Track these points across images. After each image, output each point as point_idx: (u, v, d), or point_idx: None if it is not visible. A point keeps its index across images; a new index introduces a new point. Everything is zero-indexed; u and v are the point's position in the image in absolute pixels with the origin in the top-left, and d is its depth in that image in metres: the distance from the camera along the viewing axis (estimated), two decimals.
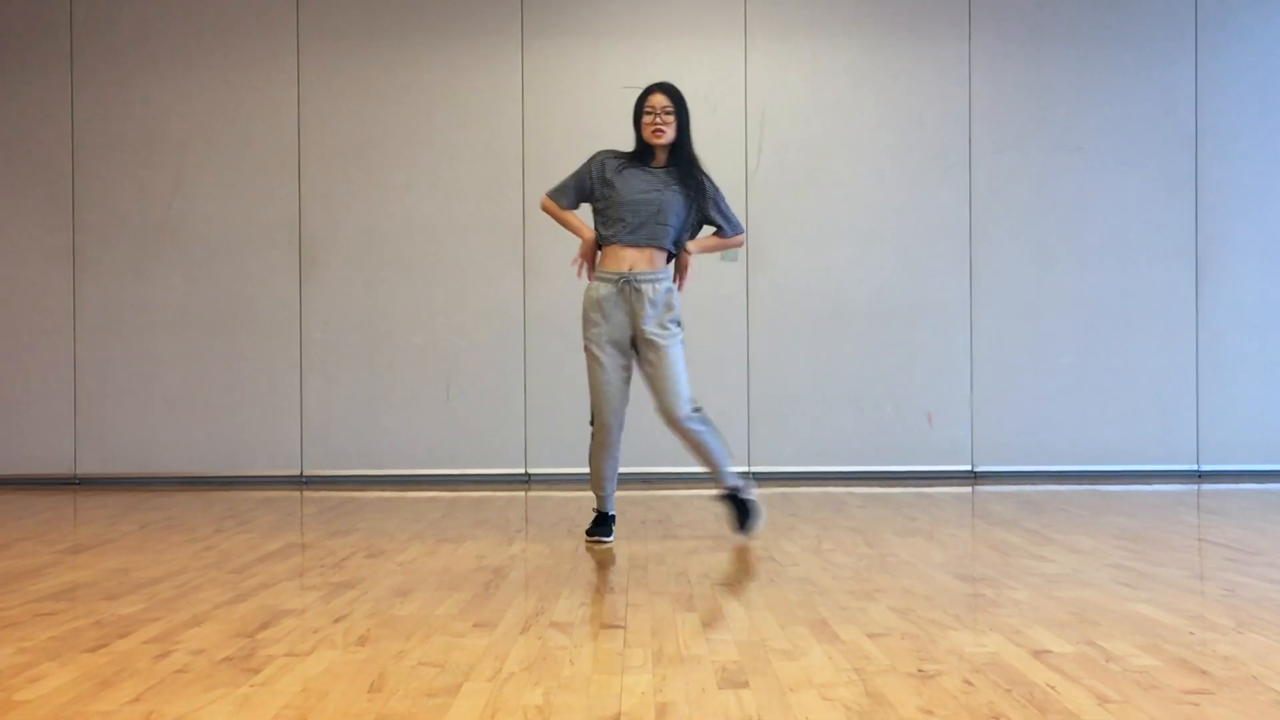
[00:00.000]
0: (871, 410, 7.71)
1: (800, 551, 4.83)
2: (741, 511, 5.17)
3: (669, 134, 4.96)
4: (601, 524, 5.18)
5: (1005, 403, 7.71)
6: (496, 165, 7.71)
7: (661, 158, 5.03)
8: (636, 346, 5.01)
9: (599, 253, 5.09)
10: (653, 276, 4.97)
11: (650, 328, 4.95)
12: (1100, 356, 7.73)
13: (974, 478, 7.66)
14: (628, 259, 4.97)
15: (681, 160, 5.01)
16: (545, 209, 5.19)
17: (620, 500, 6.58)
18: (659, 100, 4.97)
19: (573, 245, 7.74)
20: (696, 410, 5.02)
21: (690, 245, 5.12)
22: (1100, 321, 7.73)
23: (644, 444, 7.62)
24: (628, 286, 4.95)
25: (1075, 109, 7.75)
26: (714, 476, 5.15)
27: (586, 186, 5.09)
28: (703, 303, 7.41)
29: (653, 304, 4.95)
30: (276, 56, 7.73)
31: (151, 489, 7.44)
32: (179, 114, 7.73)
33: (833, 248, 7.72)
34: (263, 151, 7.72)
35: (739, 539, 5.12)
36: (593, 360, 4.99)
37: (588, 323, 5.00)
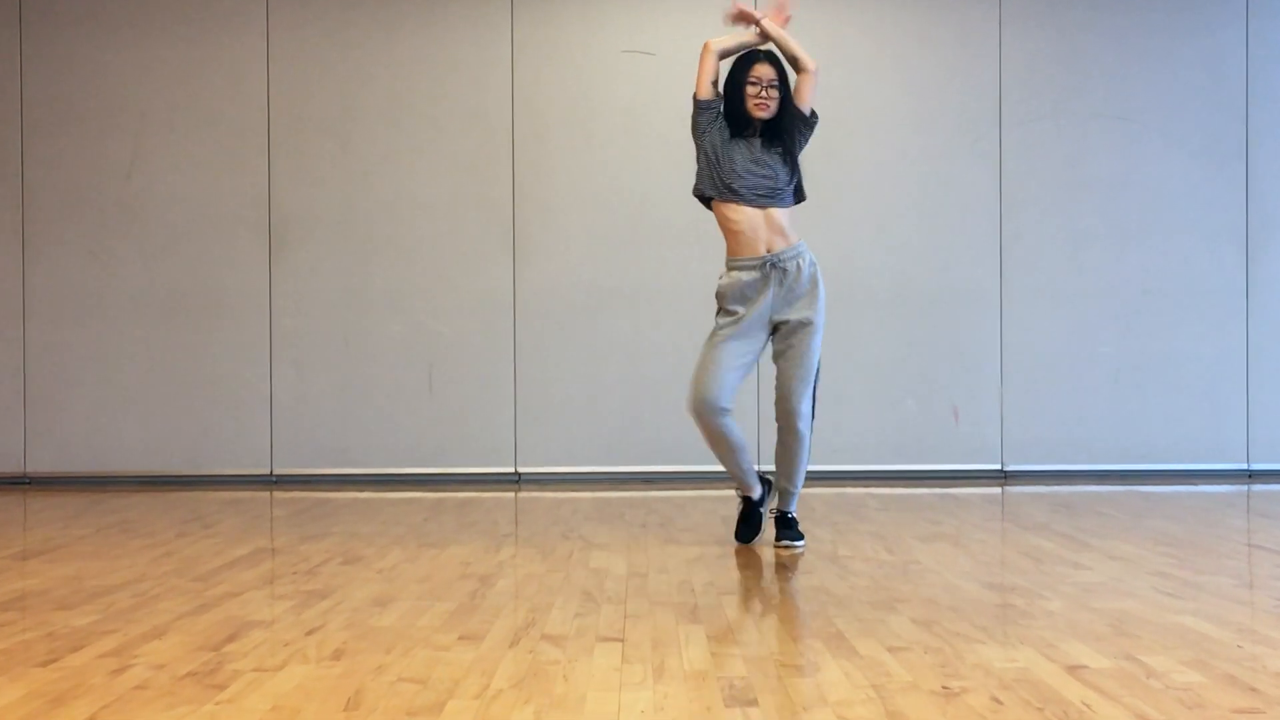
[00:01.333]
0: (892, 405, 7.71)
1: (814, 558, 4.84)
2: (790, 524, 5.12)
3: (773, 108, 4.94)
4: (745, 518, 5.12)
5: (1038, 396, 7.71)
6: (484, 137, 7.70)
7: (759, 130, 4.99)
8: (777, 330, 4.94)
9: (729, 247, 4.98)
10: (795, 253, 4.91)
11: (796, 311, 4.88)
12: (1142, 346, 7.73)
13: (1004, 478, 7.67)
14: (762, 239, 4.88)
15: (778, 131, 4.96)
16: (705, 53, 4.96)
17: (619, 502, 6.59)
18: (766, 71, 4.94)
19: (563, 226, 7.74)
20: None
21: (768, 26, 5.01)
22: (1142, 308, 7.73)
23: (644, 442, 7.63)
24: (771, 268, 4.88)
25: (1114, 76, 7.74)
26: (782, 493, 5.11)
27: (713, 109, 4.96)
28: (709, 286, 7.40)
29: (798, 282, 4.89)
30: (243, 17, 7.72)
31: (108, 489, 7.44)
32: (137, 82, 7.72)
33: (850, 228, 7.71)
34: (229, 122, 7.71)
35: (775, 546, 5.07)
36: (714, 338, 4.91)
37: (722, 310, 4.95)
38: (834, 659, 3.21)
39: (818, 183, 7.68)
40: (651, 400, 7.60)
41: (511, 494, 7.14)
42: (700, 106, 4.94)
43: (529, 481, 7.61)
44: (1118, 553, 4.90)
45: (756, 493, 5.15)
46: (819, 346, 4.96)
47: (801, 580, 4.35)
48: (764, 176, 4.91)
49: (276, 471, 7.69)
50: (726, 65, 5.00)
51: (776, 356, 4.97)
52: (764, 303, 4.89)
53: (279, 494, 7.20)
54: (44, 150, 7.72)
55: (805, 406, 4.95)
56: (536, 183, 7.67)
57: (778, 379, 4.98)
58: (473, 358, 7.69)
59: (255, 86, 7.71)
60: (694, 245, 7.38)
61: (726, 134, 4.95)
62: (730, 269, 4.95)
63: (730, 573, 4.56)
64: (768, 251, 4.90)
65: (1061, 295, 7.73)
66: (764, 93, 4.92)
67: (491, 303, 7.69)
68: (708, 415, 4.89)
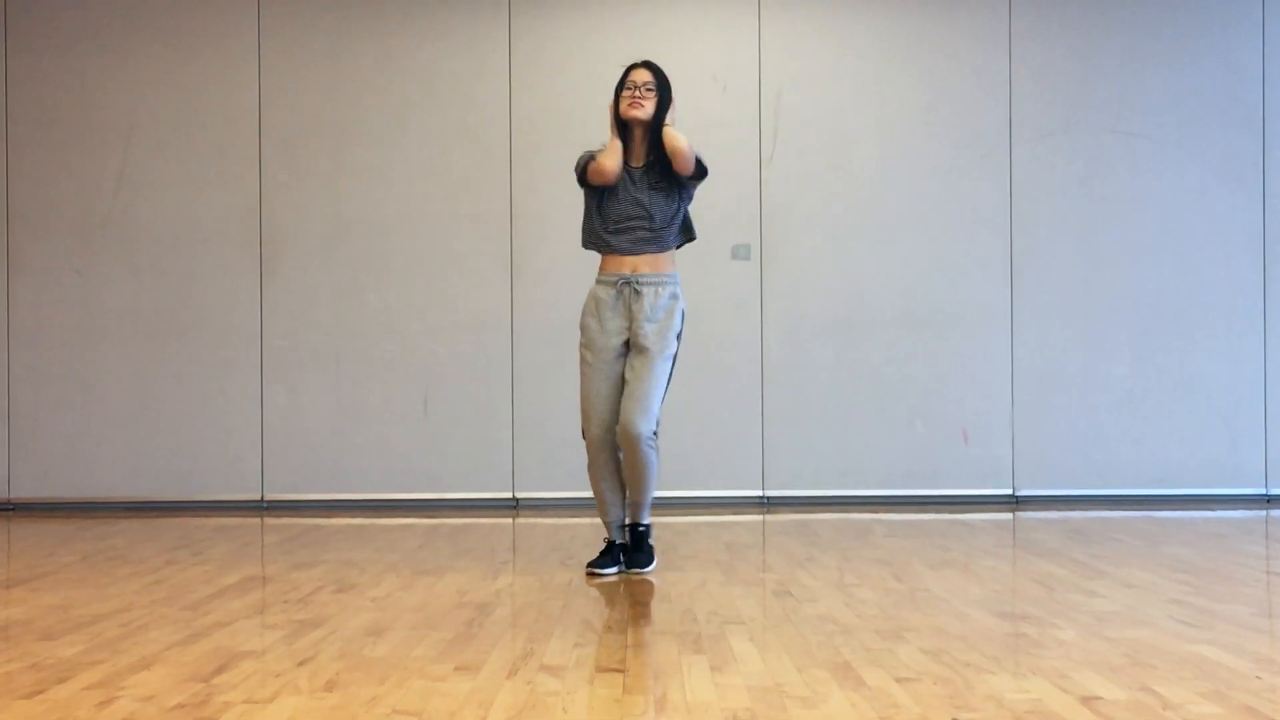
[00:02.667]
0: (900, 427, 7.72)
1: (820, 585, 4.84)
2: (641, 547, 5.26)
3: (647, 108, 5.21)
4: (606, 553, 5.24)
5: (1050, 418, 7.72)
6: (480, 151, 7.72)
7: (639, 144, 5.25)
8: (628, 354, 5.20)
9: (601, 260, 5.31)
10: (657, 279, 5.20)
11: (647, 337, 5.14)
12: (1157, 366, 7.74)
13: (1015, 503, 7.67)
14: (629, 263, 5.21)
15: (655, 147, 5.21)
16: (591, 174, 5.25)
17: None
18: (640, 75, 5.27)
19: (562, 243, 7.77)
20: (655, 434, 5.15)
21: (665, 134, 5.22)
22: (1156, 326, 7.75)
23: None
24: (628, 288, 5.16)
25: (1127, 89, 7.76)
26: (633, 505, 5.25)
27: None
28: (711, 307, 7.43)
29: (654, 309, 5.17)
30: (234, 30, 7.75)
31: (94, 515, 7.44)
32: (125, 95, 7.75)
33: (857, 244, 7.73)
34: (218, 135, 7.74)
35: (635, 574, 5.17)
36: (585, 367, 5.22)
37: (581, 329, 5.25)
38: (840, 690, 3.21)
39: (823, 200, 7.71)
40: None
41: (509, 520, 7.14)
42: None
43: (527, 507, 7.61)
44: (1132, 580, 4.90)
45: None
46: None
47: (807, 609, 4.36)
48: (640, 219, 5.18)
49: (267, 497, 7.69)
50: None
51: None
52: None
53: (270, 520, 7.21)
54: (28, 165, 7.74)
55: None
56: (534, 199, 7.68)
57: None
58: (469, 379, 7.70)
59: (246, 101, 7.74)
60: (695, 264, 7.39)
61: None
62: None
63: (734, 601, 4.57)
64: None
65: (1074, 314, 7.74)
66: (638, 93, 5.21)
67: (488, 322, 7.70)
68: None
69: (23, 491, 7.72)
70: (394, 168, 7.72)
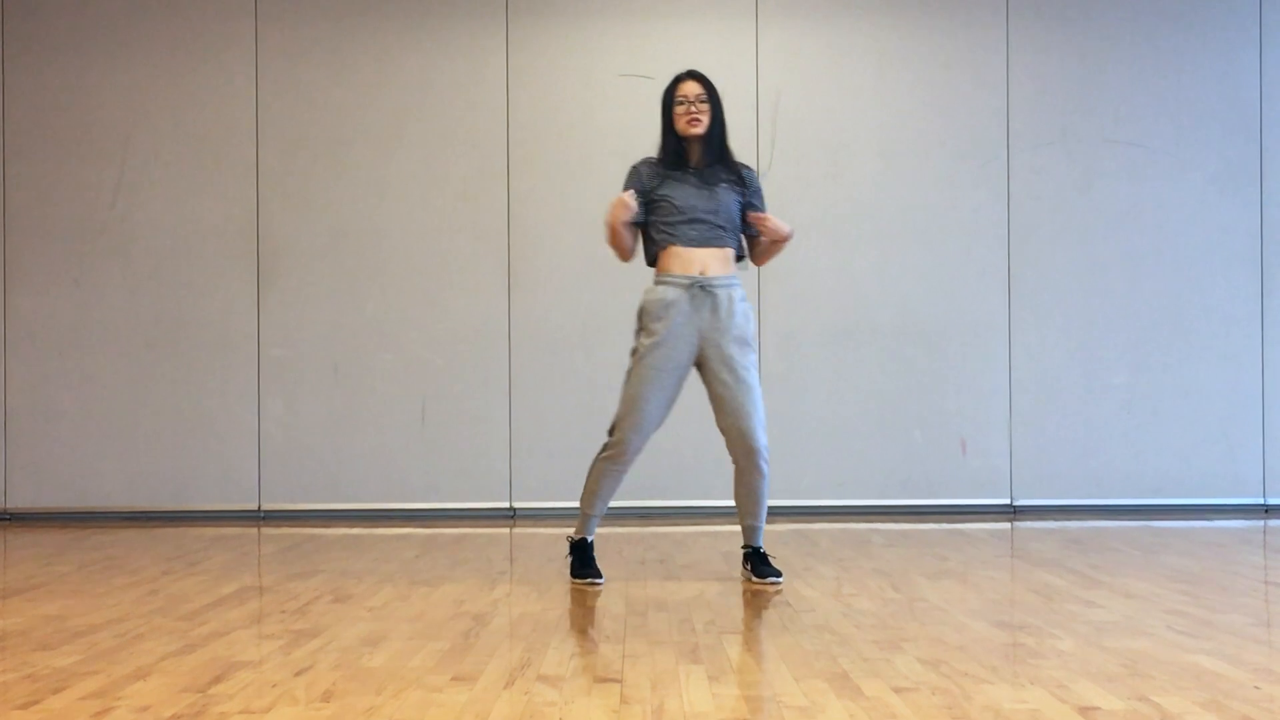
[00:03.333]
0: (898, 437, 7.72)
1: (818, 596, 4.84)
2: (767, 561, 5.20)
3: (705, 123, 5.06)
4: (587, 561, 5.18)
5: (1048, 428, 7.72)
6: (478, 161, 7.73)
7: (697, 154, 5.11)
8: (703, 364, 5.04)
9: (658, 255, 5.09)
10: (727, 282, 5.03)
11: (729, 344, 4.99)
12: (1154, 376, 7.75)
13: (1013, 513, 7.67)
14: (697, 261, 5.02)
15: (718, 154, 5.12)
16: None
17: (617, 537, 6.59)
18: (691, 88, 5.08)
19: (560, 254, 7.76)
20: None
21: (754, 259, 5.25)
22: (1155, 337, 7.75)
23: (643, 475, 7.63)
24: (700, 292, 4.99)
25: (1126, 98, 7.78)
26: (752, 530, 5.18)
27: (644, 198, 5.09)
28: None
29: (730, 314, 5.00)
30: (232, 41, 7.76)
31: (90, 525, 7.44)
32: (122, 106, 7.75)
33: (854, 254, 7.74)
34: (216, 145, 7.74)
35: (757, 584, 5.11)
36: (643, 369, 5.00)
37: (645, 331, 5.01)
38: (838, 700, 3.21)
39: (821, 210, 7.72)
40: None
41: (506, 530, 7.14)
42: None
43: (524, 517, 7.61)
44: (1130, 590, 4.90)
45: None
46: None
47: (805, 619, 4.36)
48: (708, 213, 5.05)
49: (264, 507, 7.69)
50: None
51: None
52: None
53: (267, 530, 7.20)
54: (26, 176, 7.74)
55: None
56: (531, 209, 7.69)
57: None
58: (466, 389, 7.70)
59: (244, 112, 7.74)
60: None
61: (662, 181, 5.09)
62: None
63: (732, 611, 4.56)
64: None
65: (1072, 324, 7.75)
66: (693, 107, 5.05)
67: (485, 332, 7.70)
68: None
69: (19, 501, 7.72)
70: (391, 177, 7.73)
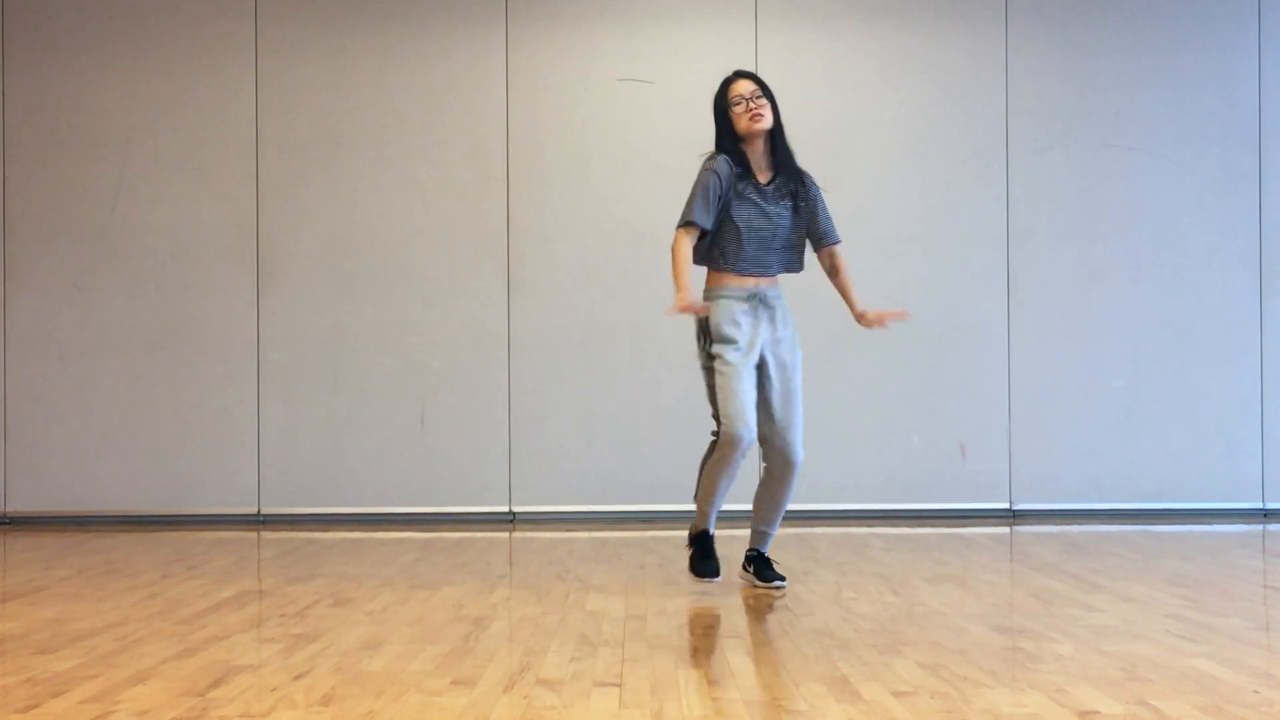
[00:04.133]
0: (897, 441, 7.72)
1: (818, 600, 4.84)
2: (770, 565, 5.20)
3: (768, 117, 5.08)
4: (708, 553, 5.11)
5: (1047, 433, 7.72)
6: (478, 165, 7.73)
7: (762, 157, 5.13)
8: (761, 367, 5.08)
9: (712, 270, 5.15)
10: (777, 294, 5.17)
11: (785, 351, 5.11)
12: (1154, 380, 7.75)
13: (1012, 517, 7.67)
14: (751, 279, 5.10)
15: (784, 163, 5.17)
16: (677, 249, 5.13)
17: (616, 542, 6.59)
18: (745, 86, 5.09)
19: (559, 258, 7.76)
20: None
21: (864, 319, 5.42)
22: (1154, 341, 7.75)
23: (642, 480, 7.63)
24: (760, 304, 5.08)
25: (1125, 102, 7.78)
26: (762, 535, 5.18)
27: (724, 202, 5.10)
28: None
29: (784, 323, 5.14)
30: (232, 42, 7.76)
31: (90, 529, 7.44)
32: (122, 110, 7.75)
33: (853, 258, 7.69)
34: (216, 150, 7.74)
35: (761, 587, 5.10)
36: (728, 368, 4.97)
37: (721, 337, 5.01)
38: (837, 704, 3.21)
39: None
40: (650, 437, 7.61)
41: (505, 534, 7.14)
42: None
43: (524, 521, 7.61)
44: (1129, 594, 4.90)
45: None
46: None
47: (804, 623, 4.36)
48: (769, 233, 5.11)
49: (264, 511, 7.68)
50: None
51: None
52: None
53: (266, 534, 7.20)
54: (26, 179, 7.75)
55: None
56: (531, 214, 7.69)
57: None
58: (466, 393, 7.70)
59: (243, 116, 7.74)
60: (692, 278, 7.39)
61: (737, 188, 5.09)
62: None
63: (731, 615, 4.56)
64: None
65: (1071, 328, 7.74)
66: (752, 104, 5.05)
67: (485, 336, 7.70)
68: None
69: (19, 505, 7.71)
70: (391, 182, 7.73)
